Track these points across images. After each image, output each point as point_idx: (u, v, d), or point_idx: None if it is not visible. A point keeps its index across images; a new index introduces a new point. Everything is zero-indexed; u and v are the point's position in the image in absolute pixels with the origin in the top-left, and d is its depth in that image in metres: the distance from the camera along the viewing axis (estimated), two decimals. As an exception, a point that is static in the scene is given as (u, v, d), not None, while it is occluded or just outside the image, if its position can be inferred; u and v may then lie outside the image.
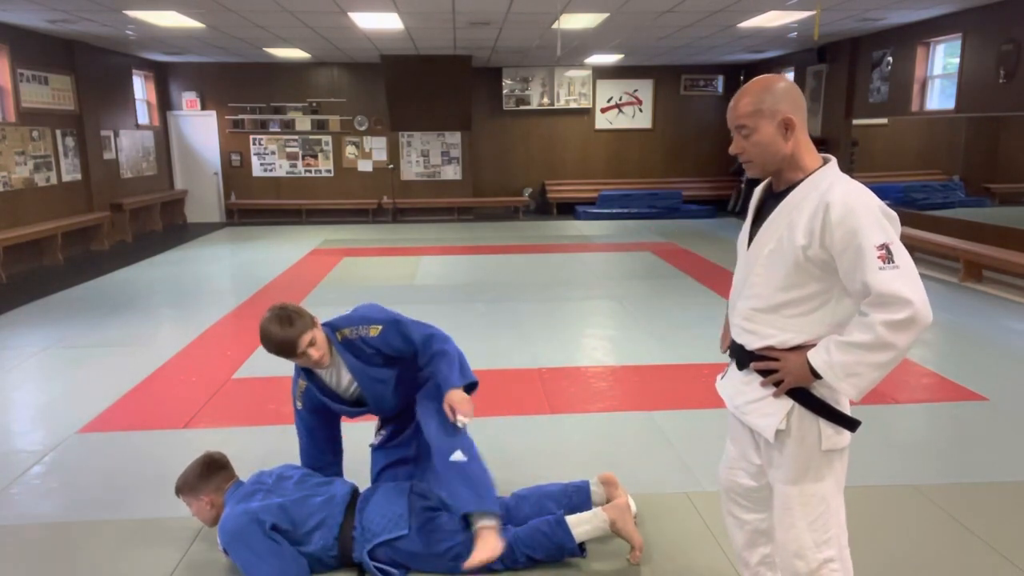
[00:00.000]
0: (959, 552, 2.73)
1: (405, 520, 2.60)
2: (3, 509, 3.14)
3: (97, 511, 3.11)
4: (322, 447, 2.94)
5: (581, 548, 2.64)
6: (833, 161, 1.87)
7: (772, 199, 1.92)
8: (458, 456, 2.56)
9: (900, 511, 3.02)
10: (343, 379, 2.79)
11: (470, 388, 2.75)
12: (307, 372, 2.79)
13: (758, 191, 2.02)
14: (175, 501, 2.79)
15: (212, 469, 2.75)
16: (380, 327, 2.67)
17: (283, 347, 2.60)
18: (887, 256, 1.66)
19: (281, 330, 2.57)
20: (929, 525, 2.92)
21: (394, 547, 2.57)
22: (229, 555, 2.57)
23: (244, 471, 2.88)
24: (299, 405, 2.86)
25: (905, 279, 1.65)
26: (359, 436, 3.16)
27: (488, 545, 2.48)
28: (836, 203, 1.71)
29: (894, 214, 1.75)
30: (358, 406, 2.87)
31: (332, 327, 2.73)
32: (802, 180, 1.83)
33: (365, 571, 2.61)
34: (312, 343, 2.60)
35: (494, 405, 4.07)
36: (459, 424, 2.60)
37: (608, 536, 2.68)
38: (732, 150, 1.90)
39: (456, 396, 2.62)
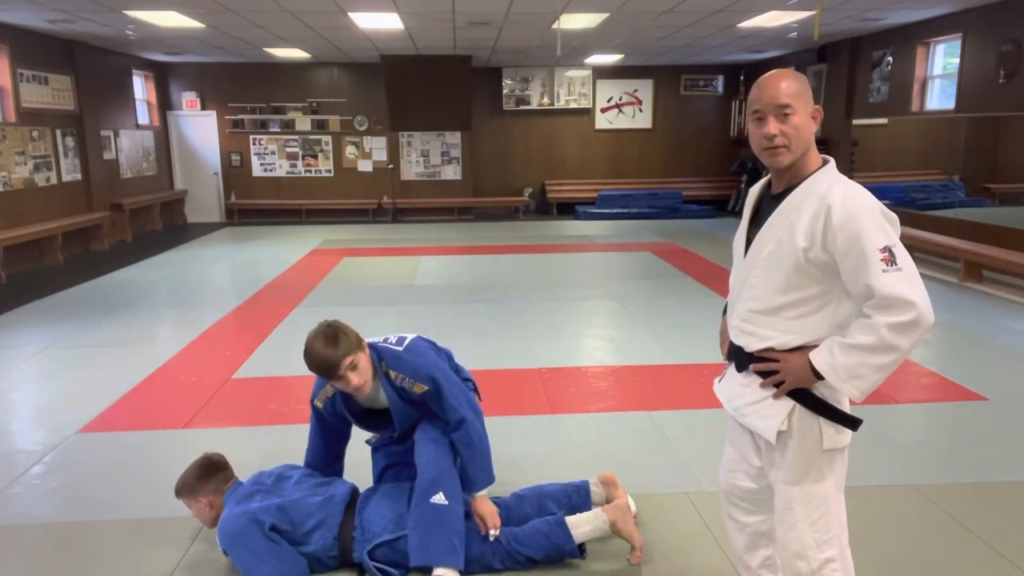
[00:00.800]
0: (959, 552, 2.73)
1: (406, 520, 2.60)
2: (3, 509, 3.13)
3: (97, 511, 3.11)
4: (331, 447, 2.94)
5: (581, 549, 2.64)
6: (832, 162, 1.85)
7: (770, 200, 1.91)
8: (439, 499, 2.52)
9: (900, 511, 3.02)
10: (377, 399, 2.75)
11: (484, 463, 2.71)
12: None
13: (755, 192, 2.00)
14: (175, 501, 2.79)
15: (210, 470, 2.75)
16: (426, 388, 2.61)
17: (323, 367, 2.51)
18: (890, 259, 1.66)
19: (324, 348, 2.47)
20: (929, 525, 2.92)
21: (394, 547, 2.57)
22: (229, 556, 2.57)
23: (244, 471, 2.88)
24: (319, 405, 2.82)
25: (908, 281, 1.65)
26: (359, 435, 3.16)
27: None
28: (838, 206, 1.71)
29: (894, 216, 1.74)
30: (376, 419, 2.86)
31: (379, 355, 2.65)
32: (802, 181, 1.82)
33: (365, 571, 2.61)
34: (353, 367, 2.51)
35: (494, 405, 4.06)
36: (491, 537, 2.60)
37: (608, 536, 2.68)
38: (770, 131, 1.77)
39: (485, 508, 2.62)
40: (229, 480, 2.77)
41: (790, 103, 1.76)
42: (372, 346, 2.67)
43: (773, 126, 1.78)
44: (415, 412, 2.75)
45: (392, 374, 2.63)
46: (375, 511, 2.64)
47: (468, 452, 2.64)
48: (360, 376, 2.54)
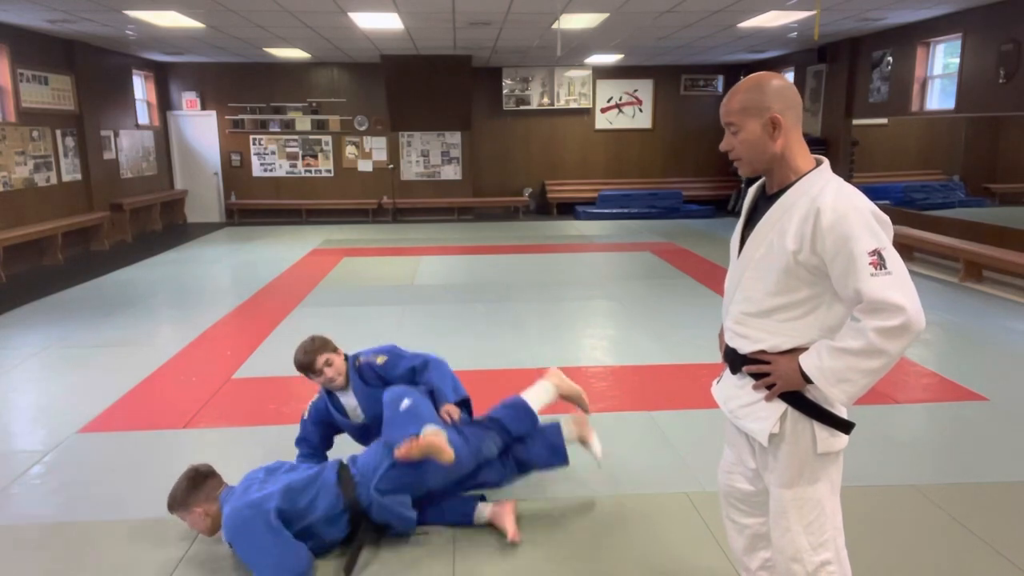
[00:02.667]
0: (959, 552, 2.73)
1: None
2: (3, 509, 3.14)
3: (97, 511, 3.11)
4: (321, 429, 3.29)
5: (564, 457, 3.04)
6: (825, 163, 1.84)
7: (764, 201, 1.90)
8: (405, 404, 2.87)
9: (900, 511, 3.02)
10: (353, 401, 3.18)
11: (464, 404, 3.12)
12: (328, 393, 3.22)
13: (751, 192, 1.99)
14: (175, 502, 2.80)
15: (199, 480, 2.77)
16: (386, 357, 3.14)
17: (303, 364, 3.11)
18: (879, 262, 1.64)
19: (304, 351, 3.13)
20: (929, 525, 2.92)
21: (397, 469, 2.70)
22: (233, 548, 2.59)
23: (244, 471, 2.88)
24: (305, 416, 3.28)
25: (898, 286, 1.64)
26: (350, 440, 3.17)
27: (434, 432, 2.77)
28: (827, 208, 1.69)
29: (886, 218, 1.72)
30: (362, 429, 3.21)
31: (353, 357, 3.20)
32: (794, 183, 1.81)
33: (377, 522, 2.71)
34: (328, 363, 3.10)
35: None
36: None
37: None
38: (722, 147, 1.88)
39: (451, 407, 3.00)
40: (220, 486, 2.79)
41: (733, 121, 1.83)
42: (348, 357, 3.19)
43: (726, 140, 1.87)
44: (379, 397, 3.01)
45: (360, 359, 3.17)
46: (366, 455, 2.83)
47: (437, 374, 3.04)
48: (335, 370, 3.11)
